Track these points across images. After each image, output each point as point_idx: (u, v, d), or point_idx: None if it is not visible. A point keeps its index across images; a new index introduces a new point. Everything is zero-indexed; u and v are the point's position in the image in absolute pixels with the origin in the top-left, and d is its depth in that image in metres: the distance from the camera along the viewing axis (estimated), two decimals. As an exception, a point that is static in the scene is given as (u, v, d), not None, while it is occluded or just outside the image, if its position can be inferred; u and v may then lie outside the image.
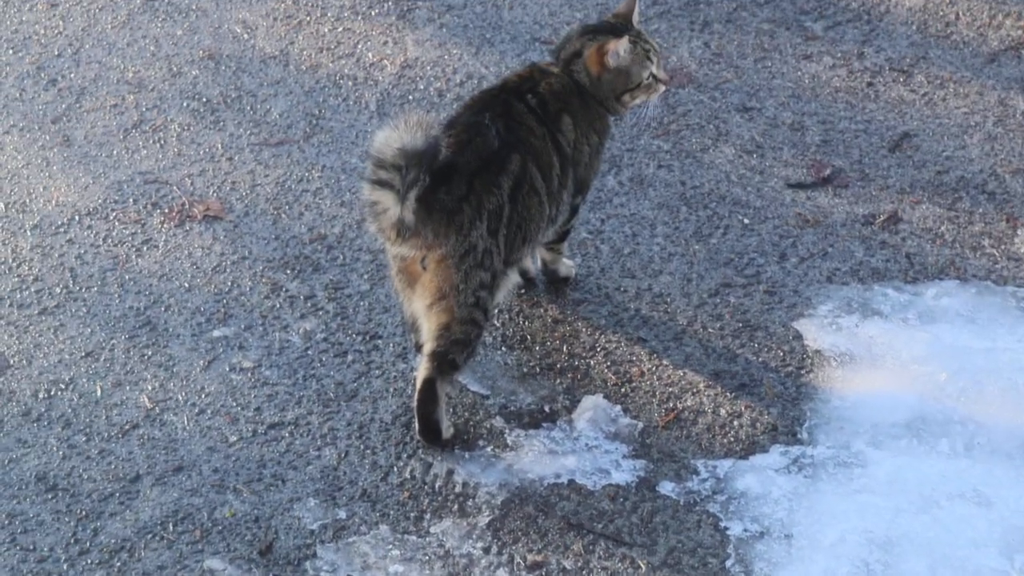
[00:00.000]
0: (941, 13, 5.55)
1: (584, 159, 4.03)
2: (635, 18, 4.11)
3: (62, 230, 4.61)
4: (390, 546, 3.60)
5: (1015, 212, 4.61)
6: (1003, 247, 4.47)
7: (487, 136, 3.80)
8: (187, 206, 4.69)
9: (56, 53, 5.45)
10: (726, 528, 3.63)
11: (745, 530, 3.63)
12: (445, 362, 3.75)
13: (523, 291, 4.29)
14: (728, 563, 3.55)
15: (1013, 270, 4.38)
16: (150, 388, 4.05)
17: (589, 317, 4.24)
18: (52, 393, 4.04)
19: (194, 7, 5.66)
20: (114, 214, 4.67)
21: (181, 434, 3.92)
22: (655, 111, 4.19)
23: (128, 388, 4.06)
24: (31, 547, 3.61)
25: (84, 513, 3.70)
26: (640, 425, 3.91)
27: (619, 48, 3.97)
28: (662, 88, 4.10)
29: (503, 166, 3.79)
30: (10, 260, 4.48)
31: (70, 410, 3.99)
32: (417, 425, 3.84)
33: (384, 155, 3.52)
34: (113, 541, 3.63)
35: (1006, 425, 3.87)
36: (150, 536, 3.64)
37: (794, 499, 3.70)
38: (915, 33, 5.45)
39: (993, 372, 4.02)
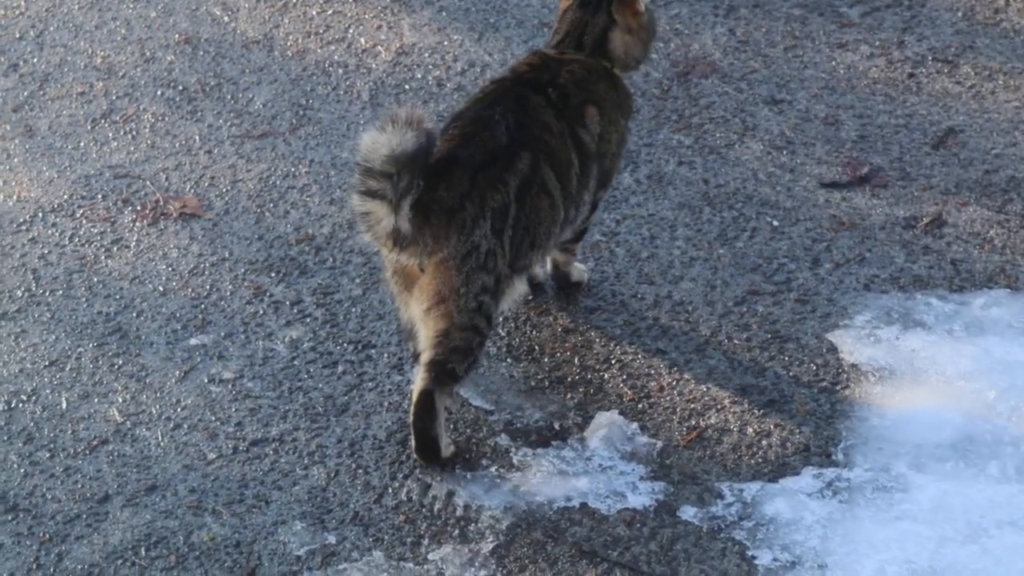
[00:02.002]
0: (989, -1, 5.58)
1: (611, 149, 4.06)
2: None
3: (24, 228, 4.62)
4: (384, 574, 3.60)
5: (1071, 215, 4.64)
6: (1058, 253, 4.50)
7: (496, 131, 3.82)
8: (161, 203, 4.71)
9: (17, 35, 5.47)
10: (754, 557, 3.64)
11: (775, 559, 3.63)
12: (444, 372, 3.76)
13: (531, 298, 4.30)
14: (756, 595, 3.57)
15: (1069, 278, 4.40)
16: (120, 400, 4.06)
17: (603, 326, 4.25)
18: (13, 405, 4.05)
19: (169, -13, 5.69)
20: (81, 211, 4.68)
21: (155, 451, 3.92)
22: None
23: (96, 400, 4.06)
24: (-11, 573, 3.62)
25: (48, 536, 3.71)
26: (659, 444, 3.92)
27: None
28: None
29: (510, 163, 3.81)
30: (-33, 260, 4.51)
31: (32, 424, 4.00)
32: (413, 442, 3.84)
33: (372, 163, 3.55)
34: (79, 567, 3.63)
35: (1061, 447, 3.89)
36: (120, 561, 3.64)
37: (828, 526, 3.70)
38: (961, 20, 5.48)
39: (1047, 389, 4.04)
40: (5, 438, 3.95)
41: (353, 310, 4.32)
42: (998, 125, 5.00)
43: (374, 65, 5.28)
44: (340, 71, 5.26)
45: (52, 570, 3.62)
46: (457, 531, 3.70)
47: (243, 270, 4.46)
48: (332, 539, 3.69)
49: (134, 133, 5.00)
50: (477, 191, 3.73)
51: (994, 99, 5.11)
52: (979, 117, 5.03)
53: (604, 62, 4.10)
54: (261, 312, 4.32)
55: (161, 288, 4.41)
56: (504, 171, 3.80)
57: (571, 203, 3.97)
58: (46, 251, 4.54)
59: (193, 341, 4.24)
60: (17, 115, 5.09)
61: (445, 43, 5.39)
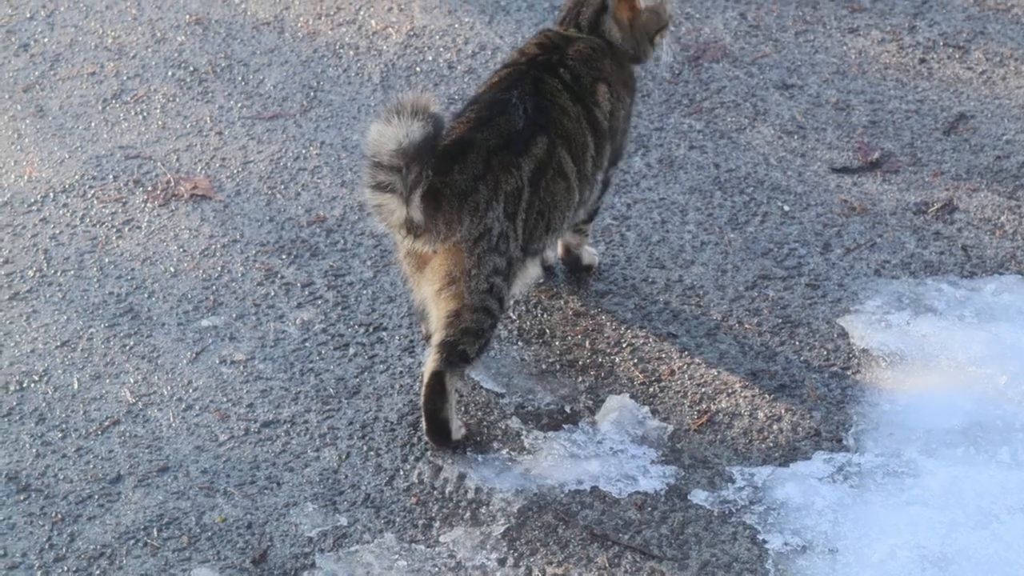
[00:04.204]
0: (1001, -16, 5.57)
1: (620, 125, 4.08)
2: None
3: (35, 208, 4.62)
4: (396, 556, 3.61)
5: (1082, 202, 4.63)
6: (1069, 240, 4.50)
7: (512, 115, 3.83)
8: (172, 184, 4.71)
9: (28, 16, 5.46)
10: (764, 541, 3.64)
11: (785, 544, 3.64)
12: (455, 353, 3.77)
13: (541, 281, 4.30)
14: (767, 579, 3.57)
15: (1080, 265, 4.40)
16: (132, 381, 4.07)
17: (614, 310, 4.25)
18: (25, 386, 4.05)
19: (180, -33, 5.68)
20: (92, 192, 4.68)
21: (166, 432, 3.93)
22: (672, 50, 4.28)
23: (108, 381, 4.07)
24: (2, 552, 3.62)
25: (60, 516, 3.71)
26: (670, 428, 3.92)
27: None
28: (671, 27, 4.22)
29: (526, 147, 3.81)
30: (-22, 240, 4.51)
31: (44, 404, 4.00)
32: (424, 424, 3.85)
33: (381, 157, 3.56)
34: (92, 547, 3.64)
35: (1072, 433, 3.89)
36: (132, 542, 3.65)
37: (839, 511, 3.70)
38: (972, 6, 5.47)
39: (1058, 375, 4.04)
40: (17, 418, 3.96)
41: (364, 292, 4.32)
42: (1009, 111, 4.99)
43: (385, 47, 5.27)
44: (351, 53, 5.25)
45: (64, 550, 3.62)
46: (468, 514, 3.70)
47: (254, 252, 4.46)
48: (344, 521, 3.69)
49: (145, 114, 4.99)
50: (491, 174, 3.74)
51: (1005, 85, 5.10)
52: (990, 103, 5.02)
53: (604, 40, 4.10)
54: (272, 294, 4.32)
55: (172, 269, 4.40)
56: (519, 155, 3.80)
57: (586, 184, 3.98)
58: (57, 231, 4.53)
59: (204, 322, 4.24)
60: (28, 95, 5.08)
61: (456, 25, 5.38)
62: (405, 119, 3.54)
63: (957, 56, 5.23)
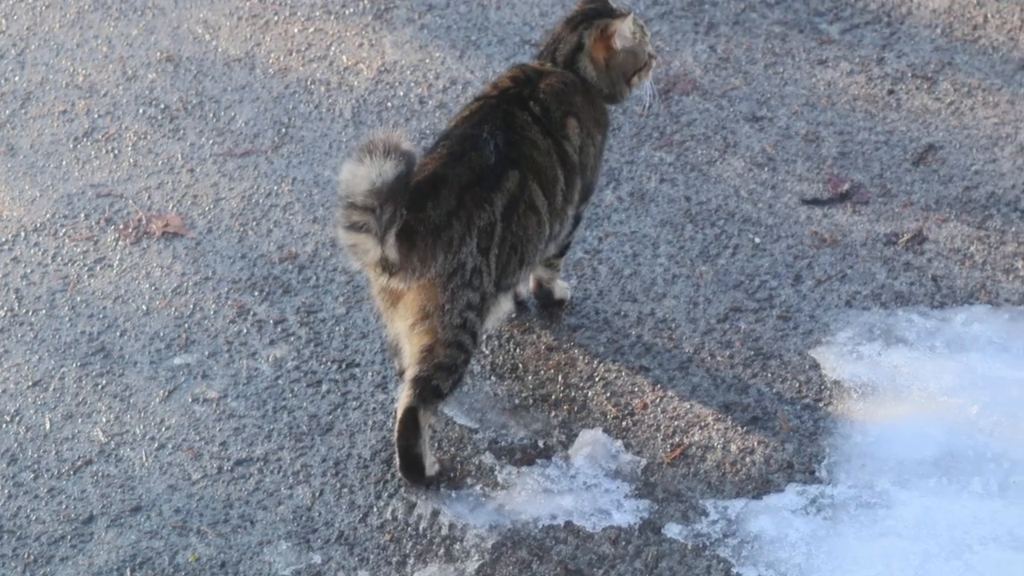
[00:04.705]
0: (968, 15, 5.60)
1: (590, 161, 4.09)
2: None
3: (6, 247, 4.61)
4: (370, 594, 3.61)
5: (1050, 231, 4.66)
6: (1038, 269, 4.52)
7: (483, 150, 3.84)
8: (144, 222, 4.70)
9: (-1, 54, 5.46)
10: (738, 574, 3.65)
11: (759, 576, 3.65)
12: (428, 388, 3.77)
13: (514, 316, 4.31)
14: (741, 613, 3.58)
15: (1049, 294, 4.42)
16: (104, 421, 4.06)
17: (586, 344, 4.26)
18: (-4, 426, 4.05)
19: (150, 5, 5.68)
20: (64, 230, 4.68)
21: (139, 471, 3.92)
22: (652, 89, 4.30)
23: (80, 420, 4.06)
24: (-26, 595, 3.61)
25: (32, 558, 3.70)
26: (643, 462, 3.93)
27: (624, 28, 4.05)
28: (653, 65, 4.21)
29: (497, 182, 3.82)
30: (-51, 280, 4.50)
31: (16, 445, 3.99)
32: (398, 460, 3.85)
33: (354, 197, 3.57)
34: (64, 588, 3.63)
35: (1043, 462, 3.91)
36: (105, 583, 3.64)
37: (812, 543, 3.71)
38: (940, 37, 5.50)
39: (1029, 405, 4.06)
40: (-11, 459, 3.95)
41: (337, 329, 4.32)
42: (977, 141, 5.02)
43: (356, 83, 5.28)
44: (322, 89, 5.26)
45: (37, 591, 3.62)
46: (442, 550, 3.70)
47: (226, 289, 4.46)
48: (318, 559, 3.68)
49: (116, 152, 4.99)
50: (464, 210, 3.75)
51: (973, 115, 5.13)
52: (959, 133, 5.05)
53: (577, 76, 4.11)
54: (245, 331, 4.32)
55: (144, 307, 4.40)
56: (491, 191, 3.81)
57: (556, 218, 3.99)
58: (28, 270, 4.53)
59: (177, 360, 4.23)
60: (-1, 134, 5.08)
61: (427, 61, 5.39)
62: (377, 158, 3.55)
63: (925, 87, 5.26)
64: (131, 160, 4.96)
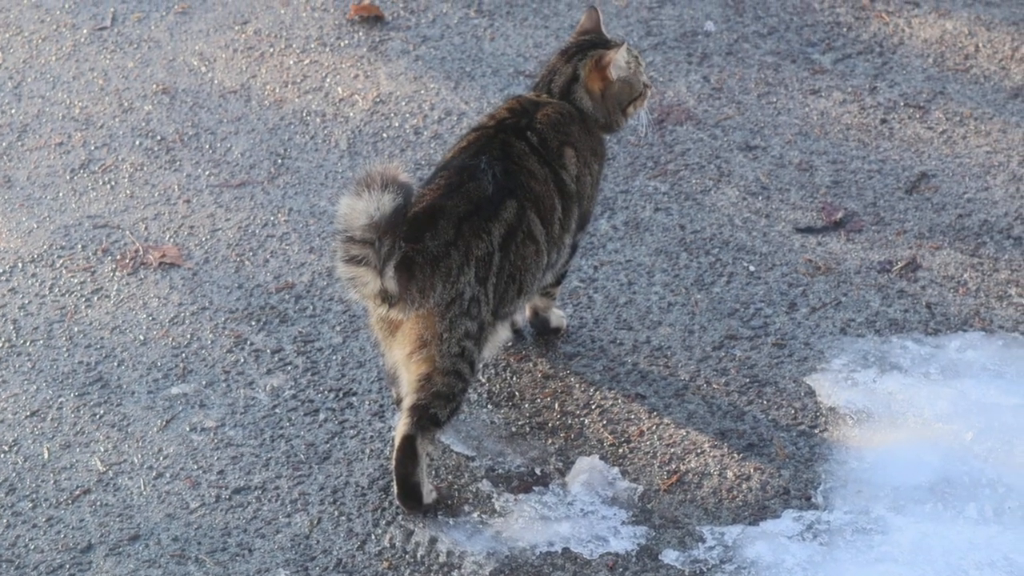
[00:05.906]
0: (959, 45, 5.65)
1: (587, 191, 4.12)
2: (604, 30, 4.25)
3: (4, 278, 4.63)
4: (368, 621, 3.62)
5: (1043, 258, 4.69)
6: (1031, 296, 4.55)
7: (481, 180, 3.87)
8: (141, 252, 4.73)
9: (-5, 87, 5.49)
10: (736, 600, 3.67)
11: (757, 602, 3.66)
12: (426, 417, 3.79)
13: (511, 344, 4.33)
14: (739, 638, 3.59)
15: (1042, 321, 4.45)
16: (102, 450, 4.07)
17: (582, 372, 4.28)
18: (-6, 456, 4.06)
19: (146, 38, 5.72)
20: (61, 261, 4.70)
21: (137, 500, 3.93)
22: (648, 119, 4.34)
23: (78, 450, 4.07)
24: (-28, 624, 3.62)
25: (31, 586, 3.71)
26: (640, 489, 3.95)
27: (619, 58, 4.09)
28: (649, 95, 4.23)
29: (495, 212, 3.85)
30: (-53, 311, 4.51)
31: (14, 474, 4.00)
32: (396, 488, 3.86)
33: (353, 231, 3.60)
34: (63, 617, 3.64)
35: (1038, 488, 3.93)
36: (104, 611, 3.65)
37: (809, 568, 3.73)
38: (931, 66, 5.54)
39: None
40: (-13, 488, 3.96)
41: (334, 358, 4.34)
42: (970, 170, 5.05)
43: (351, 114, 5.32)
44: (318, 120, 5.29)
45: (36, 620, 3.62)
46: (440, 577, 3.72)
47: (223, 319, 4.48)
48: (316, 586, 3.70)
49: (113, 183, 5.02)
50: (462, 240, 3.78)
51: (965, 144, 5.17)
52: (951, 162, 5.09)
53: (574, 107, 4.15)
54: (242, 360, 4.33)
55: (142, 337, 4.42)
56: (488, 220, 3.84)
57: (554, 247, 4.02)
58: (26, 301, 4.55)
59: (174, 390, 4.25)
60: (-5, 166, 5.11)
61: (422, 92, 5.43)
62: (375, 192, 3.58)
63: (918, 116, 5.30)
64: (128, 191, 4.99)
